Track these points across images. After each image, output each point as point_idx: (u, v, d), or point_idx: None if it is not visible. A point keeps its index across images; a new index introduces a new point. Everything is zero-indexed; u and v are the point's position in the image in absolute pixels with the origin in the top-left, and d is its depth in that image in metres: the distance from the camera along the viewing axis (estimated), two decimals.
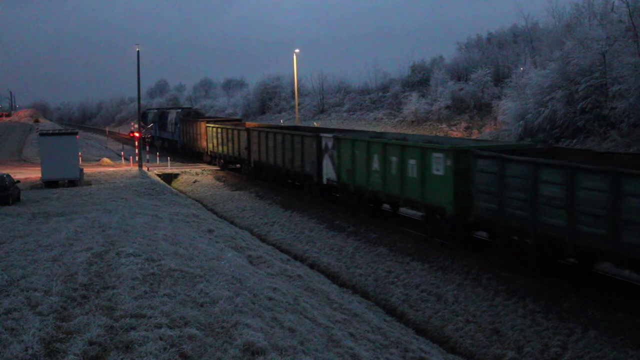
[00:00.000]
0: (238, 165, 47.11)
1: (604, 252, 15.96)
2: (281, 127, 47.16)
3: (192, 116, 65.21)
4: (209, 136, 52.33)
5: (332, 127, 58.27)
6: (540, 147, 24.15)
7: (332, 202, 31.84)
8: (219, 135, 49.33)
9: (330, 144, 31.35)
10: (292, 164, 35.76)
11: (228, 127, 48.47)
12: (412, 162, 24.34)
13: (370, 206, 28.76)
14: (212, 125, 52.60)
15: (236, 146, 45.37)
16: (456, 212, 21.84)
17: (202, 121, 56.62)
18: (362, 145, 28.26)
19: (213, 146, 51.43)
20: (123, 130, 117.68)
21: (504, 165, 19.36)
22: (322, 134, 33.00)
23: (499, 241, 20.15)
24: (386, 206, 28.91)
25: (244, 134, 43.68)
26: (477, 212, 20.80)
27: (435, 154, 22.99)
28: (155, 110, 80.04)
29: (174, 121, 66.38)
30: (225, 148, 48.05)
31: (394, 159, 25.54)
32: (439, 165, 22.78)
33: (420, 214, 24.91)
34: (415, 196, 24.30)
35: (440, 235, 23.00)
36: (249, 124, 52.98)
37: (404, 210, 28.42)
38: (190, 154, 59.17)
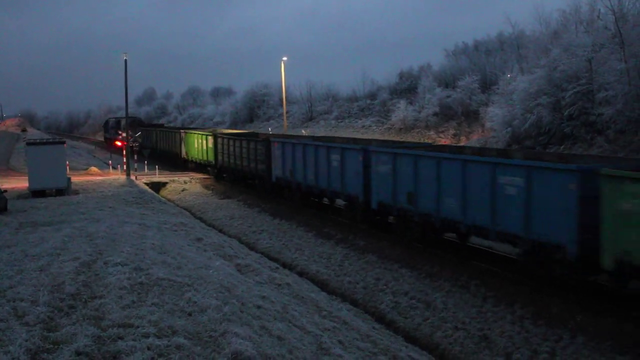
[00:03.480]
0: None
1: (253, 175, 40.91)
2: (170, 128, 76.78)
3: (135, 123, 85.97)
4: (145, 135, 75.21)
5: (320, 134, 58.66)
6: (257, 133, 52.02)
7: (188, 168, 56.78)
8: (150, 135, 74.87)
9: (183, 136, 58.45)
10: (172, 149, 63.37)
11: (150, 128, 79.57)
12: (203, 142, 50.80)
13: (201, 169, 53.23)
14: (143, 128, 78.77)
15: (152, 142, 71.44)
16: (216, 165, 47.75)
17: (139, 126, 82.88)
18: (192, 135, 55.39)
19: (143, 141, 73.93)
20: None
21: (223, 140, 45.42)
22: (181, 131, 61.50)
23: (227, 177, 46.48)
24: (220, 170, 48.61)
25: (150, 133, 73.77)
26: (220, 163, 46.50)
27: (209, 137, 49.22)
28: (114, 119, 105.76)
29: (123, 126, 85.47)
30: (150, 142, 72.10)
31: (201, 140, 51.64)
32: (210, 142, 48.67)
33: (209, 168, 50.14)
34: (205, 160, 50.65)
35: (215, 175, 48.49)
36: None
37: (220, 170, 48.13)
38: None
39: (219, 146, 46.33)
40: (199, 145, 52.06)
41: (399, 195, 24.15)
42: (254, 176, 40.65)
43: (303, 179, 32.28)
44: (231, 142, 43.74)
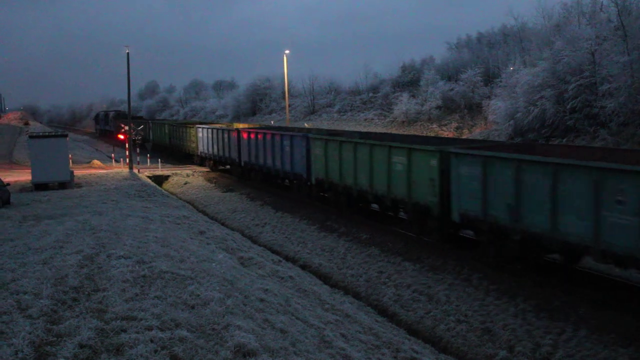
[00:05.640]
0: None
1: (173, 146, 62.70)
2: (144, 119, 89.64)
3: (120, 116, 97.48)
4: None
5: (323, 127, 58.80)
6: (189, 120, 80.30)
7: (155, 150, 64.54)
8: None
9: (151, 125, 73.58)
10: (144, 135, 69.18)
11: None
12: (162, 129, 68.36)
13: (165, 149, 65.30)
14: (126, 119, 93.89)
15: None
16: (170, 145, 63.11)
17: (124, 118, 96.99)
18: (156, 125, 71.83)
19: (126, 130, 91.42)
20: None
21: (173, 127, 63.24)
22: (149, 121, 77.91)
23: (176, 154, 60.88)
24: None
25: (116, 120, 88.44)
26: (171, 144, 61.67)
27: (166, 125, 67.34)
28: (103, 112, 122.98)
29: (111, 119, 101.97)
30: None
31: (161, 128, 68.49)
32: (167, 130, 65.82)
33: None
34: (163, 142, 66.10)
35: (168, 155, 62.25)
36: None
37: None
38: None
39: (171, 132, 63.63)
40: (160, 132, 70.08)
41: (251, 157, 39.98)
42: (188, 154, 56.37)
43: (210, 152, 48.97)
44: (176, 129, 61.91)
